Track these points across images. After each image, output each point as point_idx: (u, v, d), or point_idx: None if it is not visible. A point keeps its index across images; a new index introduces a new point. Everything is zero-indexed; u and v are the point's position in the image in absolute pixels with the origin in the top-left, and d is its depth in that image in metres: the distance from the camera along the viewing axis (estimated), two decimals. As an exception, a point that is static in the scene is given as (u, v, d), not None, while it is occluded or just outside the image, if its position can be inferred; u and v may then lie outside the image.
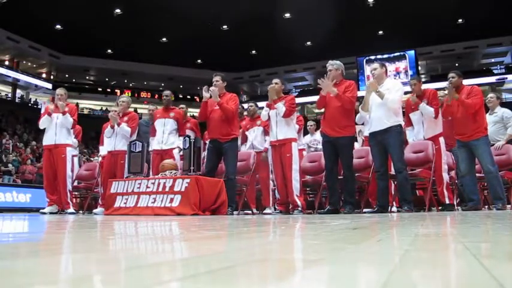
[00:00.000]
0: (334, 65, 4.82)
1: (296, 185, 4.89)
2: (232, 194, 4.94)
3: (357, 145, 6.45)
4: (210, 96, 5.11)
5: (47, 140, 5.82)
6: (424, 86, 5.57)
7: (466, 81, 5.09)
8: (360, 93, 5.18)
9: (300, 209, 4.83)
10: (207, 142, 5.42)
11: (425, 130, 5.08)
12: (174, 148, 5.85)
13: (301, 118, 6.58)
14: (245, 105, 7.01)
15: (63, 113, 5.74)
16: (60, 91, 5.98)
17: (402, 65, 27.54)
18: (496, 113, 5.61)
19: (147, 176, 5.57)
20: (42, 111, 6.03)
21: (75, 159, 6.72)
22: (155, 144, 5.80)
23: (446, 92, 4.86)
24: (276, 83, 5.26)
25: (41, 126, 5.91)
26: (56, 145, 5.76)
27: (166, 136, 5.80)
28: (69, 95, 6.19)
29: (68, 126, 5.82)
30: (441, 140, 5.02)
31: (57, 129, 5.76)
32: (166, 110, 5.95)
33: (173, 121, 5.87)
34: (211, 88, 5.10)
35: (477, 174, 4.83)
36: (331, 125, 4.68)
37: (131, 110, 6.42)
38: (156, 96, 29.31)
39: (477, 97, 4.68)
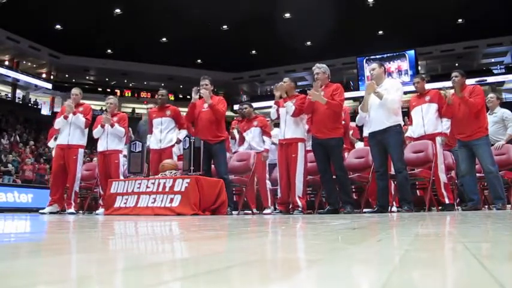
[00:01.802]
0: (321, 68, 4.86)
1: (299, 185, 4.88)
2: (229, 194, 4.94)
3: (359, 145, 6.46)
4: (200, 97, 5.15)
5: (61, 139, 5.82)
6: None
7: (466, 81, 5.08)
8: (360, 93, 5.18)
9: (300, 209, 4.83)
10: None
11: (426, 125, 5.09)
12: (172, 145, 5.87)
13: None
14: (235, 107, 7.02)
15: (74, 113, 5.75)
16: (75, 91, 6.01)
17: (396, 65, 27.52)
18: (495, 113, 5.61)
19: (146, 175, 5.58)
20: (54, 111, 6.05)
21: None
22: (153, 143, 5.80)
23: (444, 92, 4.86)
24: (284, 81, 5.19)
25: (56, 127, 5.92)
26: (69, 145, 5.76)
27: (164, 135, 5.81)
28: (69, 95, 6.21)
29: (81, 125, 5.81)
30: (438, 139, 5.03)
31: (71, 129, 5.77)
32: (161, 109, 5.96)
33: (170, 119, 5.90)
34: (202, 90, 5.12)
35: (477, 174, 4.84)
36: (320, 127, 4.73)
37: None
38: (156, 96, 29.26)
39: (479, 96, 4.69)
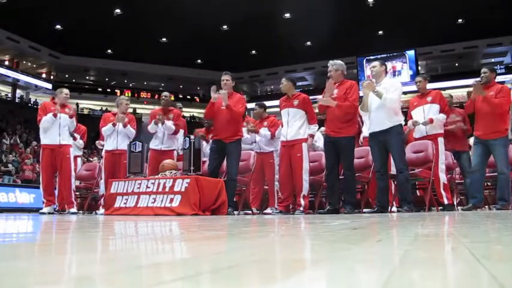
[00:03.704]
0: (334, 65, 4.83)
1: (306, 185, 4.87)
2: (231, 195, 4.93)
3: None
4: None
5: (49, 139, 5.74)
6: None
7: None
8: (359, 93, 5.17)
9: (302, 209, 4.82)
10: (210, 142, 5.42)
11: (428, 126, 5.09)
12: (173, 150, 5.87)
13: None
14: (249, 106, 7.00)
15: (71, 116, 5.74)
16: (67, 91, 6.00)
17: (391, 65, 27.49)
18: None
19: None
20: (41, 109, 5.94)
21: (79, 160, 6.74)
22: (155, 144, 5.79)
23: (472, 88, 4.84)
24: (281, 83, 5.25)
25: (42, 125, 5.73)
26: (61, 145, 5.72)
27: (166, 138, 5.79)
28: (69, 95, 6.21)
29: (72, 129, 5.84)
30: (440, 140, 5.03)
31: (61, 129, 5.74)
32: (165, 112, 5.92)
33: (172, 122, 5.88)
34: (221, 91, 5.05)
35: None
36: (332, 126, 4.73)
37: (130, 110, 6.44)
38: (156, 96, 29.27)
39: (505, 98, 4.67)
